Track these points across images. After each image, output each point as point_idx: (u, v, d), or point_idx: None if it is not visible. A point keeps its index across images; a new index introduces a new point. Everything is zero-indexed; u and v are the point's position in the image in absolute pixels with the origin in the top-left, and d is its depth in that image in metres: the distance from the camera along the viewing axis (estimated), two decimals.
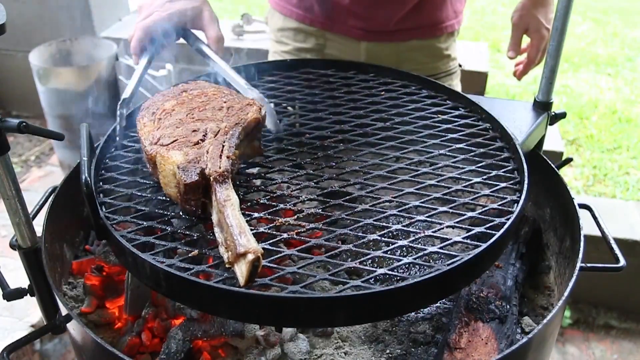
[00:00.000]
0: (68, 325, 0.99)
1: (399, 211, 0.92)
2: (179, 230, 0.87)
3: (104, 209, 0.90)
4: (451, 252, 0.83)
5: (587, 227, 1.09)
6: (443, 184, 0.98)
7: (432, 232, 0.89)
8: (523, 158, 1.01)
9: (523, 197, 0.93)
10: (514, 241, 1.17)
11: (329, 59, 1.44)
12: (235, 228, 0.77)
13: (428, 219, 0.91)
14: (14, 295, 1.00)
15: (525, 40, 1.61)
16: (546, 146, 1.36)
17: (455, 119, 1.17)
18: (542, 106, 1.31)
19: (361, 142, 1.10)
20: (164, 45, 1.17)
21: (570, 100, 4.29)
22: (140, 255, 0.80)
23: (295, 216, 0.90)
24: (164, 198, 0.93)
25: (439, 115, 1.18)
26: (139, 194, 0.95)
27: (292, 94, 1.26)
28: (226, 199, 0.82)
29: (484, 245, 0.82)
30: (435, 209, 0.92)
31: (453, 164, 1.04)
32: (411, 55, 1.55)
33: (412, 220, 0.91)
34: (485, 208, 0.93)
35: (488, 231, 0.86)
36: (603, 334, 2.49)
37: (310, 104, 1.22)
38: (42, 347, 2.01)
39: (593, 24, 5.69)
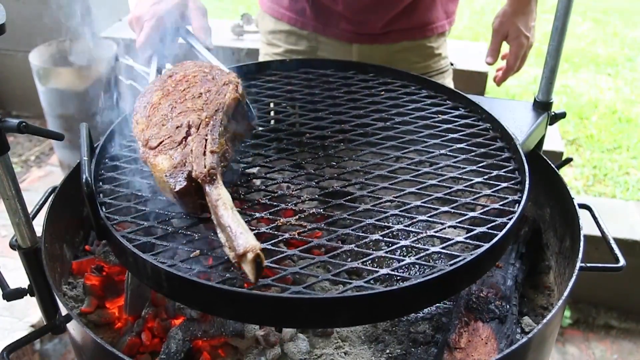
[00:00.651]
0: (68, 325, 0.99)
1: (399, 211, 0.92)
2: (180, 231, 0.87)
3: (104, 209, 0.90)
4: (453, 252, 0.83)
5: (587, 227, 1.09)
6: (444, 184, 0.98)
7: (434, 232, 0.89)
8: (524, 158, 1.01)
9: (524, 197, 0.93)
10: (514, 241, 1.17)
11: (329, 59, 1.44)
12: (232, 229, 0.77)
13: (429, 219, 0.91)
14: (14, 295, 1.00)
15: (505, 47, 1.62)
16: (546, 146, 1.36)
17: (456, 119, 1.17)
18: (542, 106, 1.31)
19: (361, 142, 1.10)
20: (167, 49, 1.18)
21: (570, 100, 4.29)
22: (142, 255, 0.80)
23: (296, 216, 0.90)
24: (164, 198, 0.93)
25: (439, 115, 1.18)
26: (139, 194, 0.94)
27: (291, 94, 1.26)
28: (217, 198, 0.81)
29: (487, 245, 0.82)
30: (436, 209, 0.92)
31: (454, 164, 1.04)
32: (402, 55, 1.57)
33: (413, 220, 0.91)
34: (487, 208, 0.93)
35: (490, 231, 0.86)
36: (603, 334, 2.49)
37: (310, 104, 1.22)
38: (42, 347, 2.01)
39: (593, 24, 5.69)
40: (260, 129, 1.14)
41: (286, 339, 1.00)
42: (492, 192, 0.97)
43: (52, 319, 1.03)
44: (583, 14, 5.81)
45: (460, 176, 1.00)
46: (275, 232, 0.86)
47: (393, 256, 0.82)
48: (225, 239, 0.79)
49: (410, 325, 1.04)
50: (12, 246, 1.00)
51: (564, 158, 1.40)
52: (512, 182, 0.99)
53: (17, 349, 0.96)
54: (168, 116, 0.96)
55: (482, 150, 1.07)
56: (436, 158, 1.06)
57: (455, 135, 1.11)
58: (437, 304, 1.07)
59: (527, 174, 0.97)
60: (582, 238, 1.06)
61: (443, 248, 0.85)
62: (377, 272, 0.80)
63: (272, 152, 1.08)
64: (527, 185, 0.95)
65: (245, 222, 0.89)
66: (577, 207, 1.12)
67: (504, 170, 1.01)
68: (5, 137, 0.88)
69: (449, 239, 0.86)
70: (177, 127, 0.93)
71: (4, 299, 1.00)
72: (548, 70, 1.28)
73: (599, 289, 2.51)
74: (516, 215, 0.89)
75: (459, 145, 1.08)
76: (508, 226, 0.86)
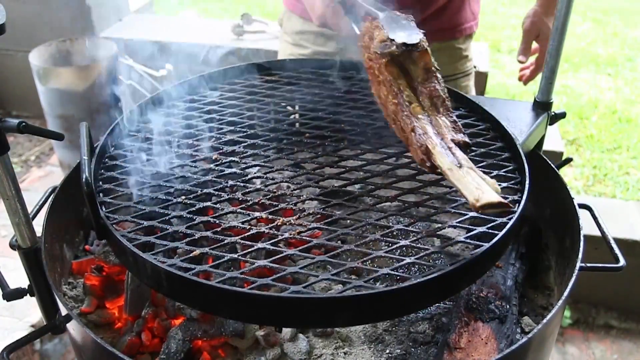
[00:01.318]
0: (68, 325, 0.99)
1: (399, 211, 0.92)
2: (180, 230, 0.87)
3: (104, 209, 0.90)
4: (453, 252, 0.83)
5: (587, 227, 1.09)
6: (444, 184, 0.98)
7: (434, 231, 0.89)
8: (524, 158, 1.01)
9: (524, 197, 0.93)
10: (514, 241, 1.17)
11: (328, 59, 1.43)
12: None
13: (429, 219, 0.91)
14: (14, 295, 1.00)
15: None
16: (546, 146, 1.36)
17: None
18: (542, 106, 1.31)
19: (362, 142, 1.10)
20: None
21: (570, 100, 4.29)
22: (142, 255, 0.80)
23: (296, 216, 0.90)
24: (164, 197, 0.93)
25: None
26: (139, 193, 0.94)
27: (292, 94, 1.26)
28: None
29: (487, 245, 0.82)
30: (436, 208, 0.92)
31: None
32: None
33: (413, 219, 0.91)
34: None
35: (490, 231, 0.86)
36: (603, 334, 2.49)
37: (310, 104, 1.22)
38: (42, 347, 2.01)
39: (593, 24, 5.69)
40: (260, 129, 1.14)
41: (286, 339, 1.00)
42: None
43: (52, 319, 1.03)
44: (583, 14, 5.81)
45: None
46: (275, 232, 0.86)
47: (393, 256, 0.82)
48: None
49: (410, 325, 1.04)
50: (12, 246, 1.00)
51: (564, 158, 1.40)
52: (512, 182, 0.99)
53: (17, 349, 0.96)
54: None
55: (482, 150, 1.07)
56: None
57: None
58: (437, 304, 1.07)
59: (527, 174, 0.97)
60: (582, 238, 1.06)
61: (443, 248, 0.85)
62: (377, 271, 0.80)
63: (271, 152, 1.08)
64: (527, 186, 0.95)
65: (245, 221, 0.89)
66: (577, 207, 1.12)
67: (504, 170, 1.01)
68: (5, 137, 0.88)
69: (449, 239, 0.86)
70: None
71: (4, 299, 1.00)
72: (548, 70, 1.28)
73: (598, 289, 2.51)
74: (516, 215, 0.89)
75: None
76: (508, 226, 0.86)
